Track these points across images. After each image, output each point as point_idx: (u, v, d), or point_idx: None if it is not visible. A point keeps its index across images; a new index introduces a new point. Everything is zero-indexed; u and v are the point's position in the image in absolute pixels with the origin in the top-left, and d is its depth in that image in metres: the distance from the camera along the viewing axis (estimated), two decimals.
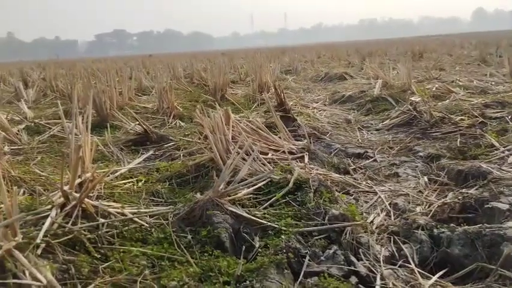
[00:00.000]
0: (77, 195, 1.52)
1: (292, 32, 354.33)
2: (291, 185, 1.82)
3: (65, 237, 1.39)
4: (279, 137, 2.39)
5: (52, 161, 2.79)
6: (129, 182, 2.23)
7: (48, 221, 1.40)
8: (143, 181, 2.28)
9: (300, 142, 2.54)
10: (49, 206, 1.46)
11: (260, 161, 2.00)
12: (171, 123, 3.89)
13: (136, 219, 1.64)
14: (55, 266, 1.23)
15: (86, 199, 1.54)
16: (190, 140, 3.05)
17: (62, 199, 1.61)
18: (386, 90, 4.82)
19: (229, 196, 1.74)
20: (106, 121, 3.73)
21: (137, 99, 5.57)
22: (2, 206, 1.39)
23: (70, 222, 1.47)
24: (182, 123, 3.88)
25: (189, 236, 1.54)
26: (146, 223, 1.64)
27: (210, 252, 1.43)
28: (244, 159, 1.94)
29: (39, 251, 1.28)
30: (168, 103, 3.96)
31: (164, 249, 1.46)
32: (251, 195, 1.82)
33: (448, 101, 3.99)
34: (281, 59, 14.11)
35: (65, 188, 1.54)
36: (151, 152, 2.77)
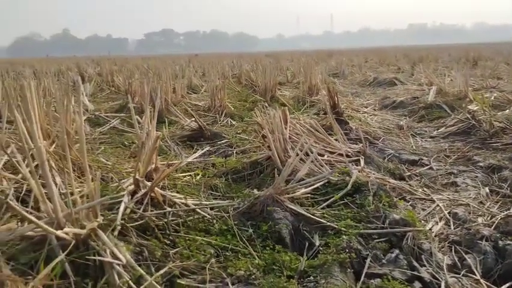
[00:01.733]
0: (148, 183, 1.61)
1: (337, 35, 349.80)
2: (349, 187, 1.83)
3: (137, 222, 1.48)
4: (335, 139, 2.40)
5: (114, 151, 2.95)
6: (188, 175, 2.32)
7: (122, 206, 1.50)
8: (200, 175, 2.37)
9: (355, 145, 2.53)
10: (123, 192, 1.55)
11: (317, 161, 2.02)
12: (222, 121, 3.98)
13: (199, 210, 1.72)
14: (130, 247, 1.32)
15: (155, 188, 1.63)
16: (246, 138, 3.12)
17: (132, 186, 1.71)
18: (440, 97, 4.69)
19: (288, 194, 1.78)
20: (162, 116, 3.87)
21: (188, 96, 5.74)
22: (82, 190, 1.51)
23: (142, 208, 1.56)
24: (233, 122, 3.97)
25: (250, 230, 1.59)
26: (208, 215, 1.70)
27: (271, 247, 1.47)
28: (302, 159, 1.97)
29: (115, 233, 1.37)
30: (220, 101, 4.06)
31: (228, 240, 1.51)
32: (308, 195, 1.85)
33: (508, 111, 3.82)
34: (327, 62, 14.02)
35: (137, 176, 1.63)
36: (208, 147, 2.86)
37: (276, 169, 2.15)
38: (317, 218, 1.63)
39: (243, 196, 1.97)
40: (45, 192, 1.22)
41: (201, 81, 8.07)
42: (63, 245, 1.16)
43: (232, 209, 1.77)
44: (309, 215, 1.65)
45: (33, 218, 1.04)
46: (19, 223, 1.25)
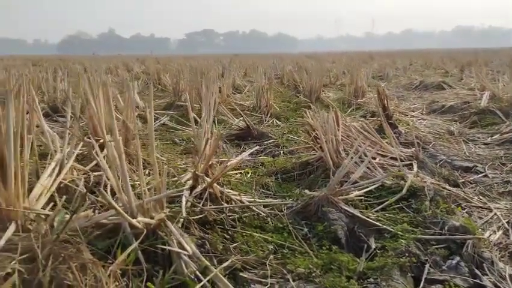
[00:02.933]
0: (207, 179, 1.67)
1: (378, 37, 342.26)
2: (404, 191, 1.81)
3: (198, 216, 1.54)
4: (387, 143, 2.38)
5: (165, 147, 3.06)
6: (239, 173, 2.38)
7: (184, 200, 1.57)
8: (250, 173, 2.42)
9: (407, 149, 2.49)
10: (182, 187, 1.62)
11: (371, 164, 2.01)
12: (268, 121, 4.02)
13: (253, 207, 1.76)
14: (194, 240, 1.38)
15: (214, 184, 1.68)
16: (293, 138, 3.14)
17: (191, 181, 1.78)
18: (493, 102, 4.51)
19: (342, 196, 1.78)
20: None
21: (233, 96, 5.82)
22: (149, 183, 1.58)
23: (201, 203, 1.62)
24: (278, 122, 4.00)
25: (305, 229, 1.62)
26: (262, 212, 1.74)
27: (328, 247, 1.48)
28: (355, 161, 1.97)
29: (179, 225, 1.44)
30: (266, 102, 4.10)
31: (284, 238, 1.55)
32: (362, 197, 1.85)
33: None
34: (369, 64, 13.76)
35: (197, 172, 1.69)
36: (257, 147, 2.90)
37: (327, 170, 2.17)
38: (372, 221, 1.63)
39: (295, 195, 2.00)
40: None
41: (244, 82, 8.17)
42: (135, 233, 1.23)
43: (285, 207, 1.81)
44: (364, 217, 1.65)
45: (117, 207, 1.12)
46: (95, 211, 1.34)
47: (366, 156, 1.93)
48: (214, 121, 3.62)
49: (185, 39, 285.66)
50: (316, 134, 2.22)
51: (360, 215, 1.65)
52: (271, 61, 16.09)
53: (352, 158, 1.86)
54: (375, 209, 1.76)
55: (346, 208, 1.68)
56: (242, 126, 3.40)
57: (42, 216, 1.31)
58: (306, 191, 1.95)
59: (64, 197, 1.33)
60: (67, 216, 1.27)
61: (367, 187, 1.85)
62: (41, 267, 1.00)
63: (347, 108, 4.58)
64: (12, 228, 1.13)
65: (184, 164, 2.51)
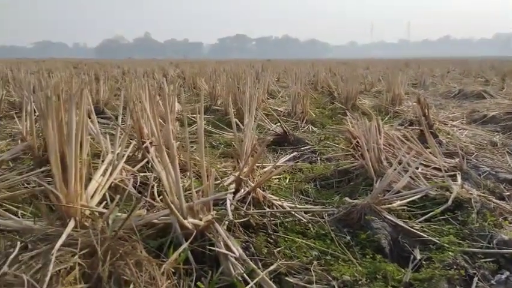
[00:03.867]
0: (251, 183, 1.70)
1: (414, 44, 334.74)
2: (450, 202, 1.78)
3: (242, 219, 1.56)
4: (430, 152, 2.34)
5: (204, 150, 3.11)
6: (277, 178, 2.39)
7: (228, 203, 1.60)
8: (288, 179, 2.43)
9: (450, 160, 2.44)
10: (230, 190, 1.66)
11: (414, 174, 1.98)
12: (304, 127, 4.02)
13: (294, 213, 1.77)
14: (239, 242, 1.40)
15: (257, 188, 1.71)
16: (330, 145, 3.13)
17: (233, 185, 1.82)
18: None
19: (385, 205, 1.77)
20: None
21: (267, 101, 5.86)
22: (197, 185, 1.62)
23: (245, 206, 1.65)
24: (314, 128, 3.99)
25: (348, 237, 1.61)
26: (303, 218, 1.75)
27: (371, 256, 1.48)
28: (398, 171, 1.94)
29: (224, 228, 1.47)
30: (302, 108, 4.11)
31: (326, 245, 1.55)
32: (405, 207, 1.82)
33: None
34: (405, 71, 13.49)
35: (241, 176, 1.72)
36: (295, 153, 2.91)
37: (368, 179, 2.15)
38: (417, 231, 1.60)
39: (335, 203, 1.99)
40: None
41: (277, 87, 8.20)
42: (185, 234, 1.27)
43: (326, 214, 1.81)
44: (408, 227, 1.63)
45: (174, 209, 1.16)
46: (146, 211, 1.39)
47: (409, 165, 1.90)
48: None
49: (218, 44, 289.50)
50: (357, 141, 2.21)
51: (404, 225, 1.63)
52: (303, 67, 16.07)
53: (396, 168, 1.84)
54: (419, 220, 1.73)
55: (389, 217, 1.66)
56: (279, 132, 3.42)
57: (97, 213, 1.37)
58: (347, 198, 1.94)
59: (118, 196, 1.38)
60: (120, 215, 1.33)
61: (411, 197, 1.82)
62: (101, 262, 1.05)
63: (384, 116, 4.51)
64: (71, 224, 1.19)
65: (223, 167, 2.56)
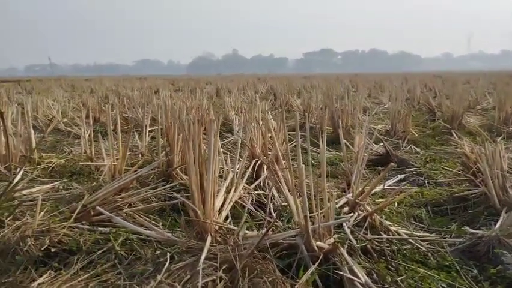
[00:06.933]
0: (369, 208, 1.69)
1: None
2: None
3: (360, 244, 1.56)
4: None
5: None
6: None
7: (346, 227, 1.61)
8: (397, 203, 2.36)
9: None
10: (349, 215, 1.66)
11: None
12: (405, 147, 3.87)
13: (412, 241, 1.71)
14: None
15: (374, 213, 1.69)
16: (440, 167, 2.98)
17: (347, 208, 1.82)
18: None
19: None
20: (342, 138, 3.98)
21: (362, 119, 5.75)
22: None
23: (362, 231, 1.64)
24: (417, 149, 3.81)
25: (475, 271, 1.52)
26: (422, 246, 1.69)
27: None
28: None
29: (343, 251, 1.48)
30: (404, 127, 3.96)
31: (452, 278, 1.47)
32: None
33: None
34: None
35: (357, 199, 1.72)
36: (402, 175, 2.82)
37: (491, 207, 2.01)
38: None
39: (453, 232, 1.89)
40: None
41: (370, 103, 8.01)
42: (311, 256, 1.31)
43: (446, 244, 1.72)
44: None
45: (310, 230, 1.21)
46: (269, 231, 1.45)
47: None
48: (347, 144, 3.63)
49: (303, 59, 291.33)
50: (476, 167, 2.07)
51: None
52: (395, 81, 15.44)
53: None
54: None
55: None
56: (380, 152, 3.34)
57: (225, 228, 1.47)
58: (467, 228, 1.83)
59: (246, 214, 1.47)
60: (248, 232, 1.41)
61: None
62: (240, 278, 1.12)
63: (495, 137, 4.16)
64: (209, 239, 1.30)
65: (327, 187, 2.56)
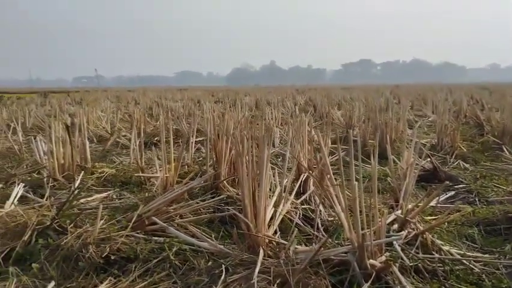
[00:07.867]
0: (420, 226, 1.66)
1: None
2: None
3: (412, 263, 1.54)
4: None
5: (347, 184, 3.13)
6: (433, 219, 2.28)
7: (397, 245, 1.59)
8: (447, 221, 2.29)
9: None
10: (400, 233, 1.64)
11: None
12: (453, 163, 3.75)
13: (465, 261, 1.66)
14: None
15: (426, 232, 1.66)
16: (492, 184, 2.87)
17: (397, 225, 1.80)
18: None
19: None
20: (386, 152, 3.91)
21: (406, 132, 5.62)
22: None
23: (413, 250, 1.62)
24: (466, 165, 3.68)
25: None
26: (475, 268, 1.64)
27: None
28: None
29: (396, 270, 1.46)
30: (452, 142, 3.84)
31: None
32: None
33: None
34: None
35: (407, 217, 1.70)
36: (452, 192, 2.74)
37: None
38: None
39: (507, 253, 1.82)
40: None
41: (412, 116, 7.82)
42: (363, 274, 1.31)
43: (501, 265, 1.66)
44: None
45: (364, 248, 1.22)
46: (321, 247, 1.46)
47: None
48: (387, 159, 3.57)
49: (341, 70, 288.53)
50: None
51: None
52: (437, 92, 14.98)
53: None
54: None
55: None
56: (427, 167, 3.26)
57: (275, 242, 1.50)
58: None
59: (295, 228, 1.49)
60: (298, 247, 1.43)
61: None
62: None
63: None
64: (262, 252, 1.33)
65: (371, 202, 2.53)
